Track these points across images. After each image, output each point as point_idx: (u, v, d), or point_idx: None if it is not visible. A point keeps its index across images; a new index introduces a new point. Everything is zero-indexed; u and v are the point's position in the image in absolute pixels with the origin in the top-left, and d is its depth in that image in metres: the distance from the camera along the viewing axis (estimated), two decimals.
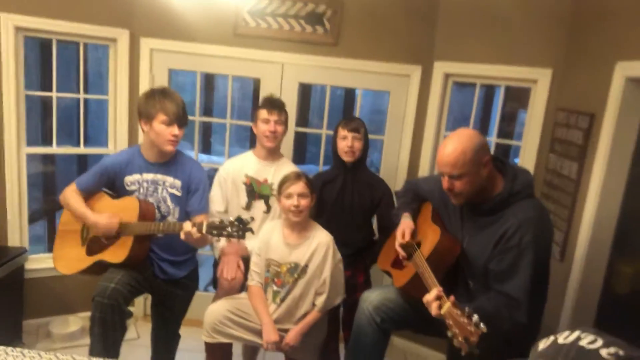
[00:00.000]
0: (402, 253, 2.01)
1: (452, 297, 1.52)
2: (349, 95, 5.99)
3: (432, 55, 3.07)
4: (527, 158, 2.90)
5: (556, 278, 1.84)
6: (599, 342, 0.64)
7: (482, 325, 1.34)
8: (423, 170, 3.13)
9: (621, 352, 0.63)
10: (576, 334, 0.68)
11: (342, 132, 2.53)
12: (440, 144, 2.01)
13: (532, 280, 1.65)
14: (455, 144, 1.73)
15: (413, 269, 1.89)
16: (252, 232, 2.04)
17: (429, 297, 1.59)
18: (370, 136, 2.68)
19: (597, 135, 2.32)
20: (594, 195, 2.28)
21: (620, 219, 2.31)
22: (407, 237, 1.99)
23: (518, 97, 3.92)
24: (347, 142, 2.50)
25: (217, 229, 1.99)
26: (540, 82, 2.82)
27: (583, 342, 0.65)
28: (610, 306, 2.37)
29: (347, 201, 2.55)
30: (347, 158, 2.52)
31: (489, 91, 5.24)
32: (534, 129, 2.88)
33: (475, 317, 1.37)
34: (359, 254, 2.58)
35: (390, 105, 3.22)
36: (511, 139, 3.47)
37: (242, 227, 1.99)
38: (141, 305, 3.40)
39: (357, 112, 3.35)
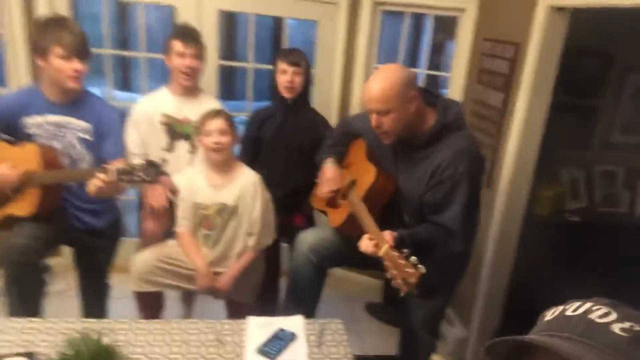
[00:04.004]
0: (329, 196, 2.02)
1: (390, 239, 1.52)
2: (278, 26, 5.70)
3: None
4: (455, 89, 2.91)
5: (483, 204, 1.91)
6: (612, 316, 0.58)
7: (420, 265, 1.36)
8: (355, 105, 3.08)
9: (637, 327, 0.57)
10: (587, 305, 0.61)
11: (282, 65, 2.38)
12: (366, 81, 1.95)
13: (466, 209, 1.69)
14: (381, 80, 1.68)
15: (348, 209, 1.87)
16: (167, 174, 1.91)
17: (366, 239, 1.59)
18: None
19: (521, 65, 2.35)
20: (518, 124, 2.35)
21: (541, 146, 2.41)
22: (334, 186, 1.98)
23: (446, 27, 3.90)
24: (286, 77, 2.36)
25: (127, 173, 1.82)
26: (467, 11, 2.79)
27: (593, 315, 0.59)
28: (533, 227, 2.53)
29: (286, 140, 2.45)
30: (286, 94, 2.39)
31: (418, 22, 5.19)
32: (461, 60, 2.87)
33: (414, 258, 1.38)
34: (298, 195, 2.52)
35: (319, 36, 3.08)
36: (439, 71, 3.48)
37: (154, 171, 1.84)
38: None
39: (287, 44, 3.18)
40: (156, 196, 2.29)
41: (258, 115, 2.52)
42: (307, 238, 2.07)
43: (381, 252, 1.50)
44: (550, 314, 0.65)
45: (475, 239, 1.91)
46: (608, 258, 2.75)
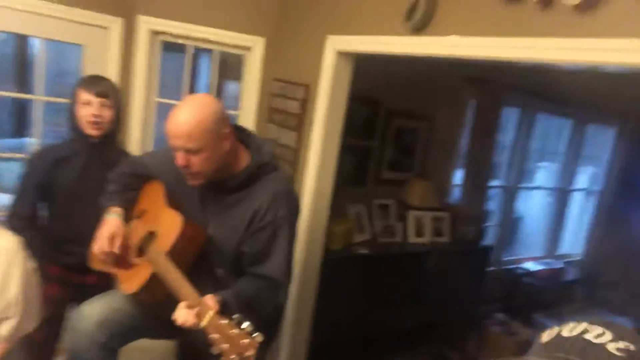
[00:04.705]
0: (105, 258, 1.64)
1: (215, 304, 1.27)
2: (22, 48, 4.72)
3: (135, 8, 2.61)
4: None
5: None
6: (608, 336, 0.59)
7: (256, 333, 1.13)
8: (134, 145, 2.68)
9: (632, 347, 0.57)
10: (583, 326, 0.61)
11: (84, 95, 1.87)
12: (170, 113, 1.65)
13: (289, 257, 1.54)
14: (191, 112, 1.44)
15: (149, 269, 1.52)
16: None
17: (182, 309, 1.30)
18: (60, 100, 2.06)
19: (312, 106, 2.40)
20: (314, 163, 2.37)
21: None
22: (116, 245, 1.60)
23: (224, 68, 3.85)
24: (91, 110, 1.86)
25: None
26: (254, 50, 2.76)
27: (589, 336, 0.59)
28: (329, 262, 2.56)
29: (90, 187, 1.90)
30: (91, 131, 1.88)
31: (194, 61, 5.01)
32: (250, 99, 2.81)
33: (247, 324, 1.15)
34: None
35: (85, 62, 2.60)
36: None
37: None
38: None
39: (40, 73, 2.59)
40: None
41: (48, 155, 1.94)
42: (92, 311, 1.60)
43: (205, 323, 1.22)
44: (546, 336, 0.65)
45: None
46: (393, 284, 3.00)
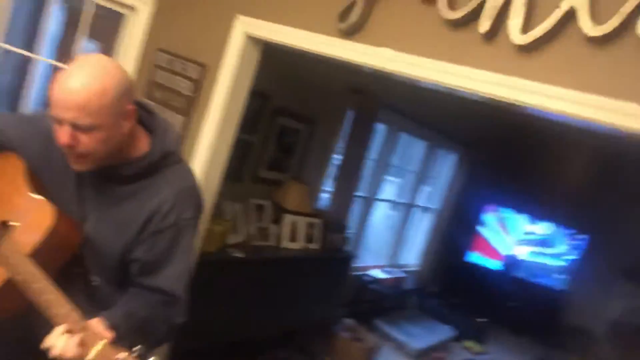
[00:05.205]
0: None
1: (107, 331, 0.97)
2: None
3: None
4: None
5: None
6: None
7: None
8: None
9: None
10: None
11: None
12: (59, 74, 1.22)
13: (188, 265, 1.29)
14: (89, 79, 1.09)
15: (1, 273, 1.12)
16: None
17: (60, 334, 0.98)
18: None
19: (209, 91, 2.13)
20: (202, 156, 2.09)
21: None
22: None
23: (76, 21, 3.27)
24: None
25: None
26: (138, 11, 2.36)
27: None
28: (202, 264, 2.30)
29: None
30: None
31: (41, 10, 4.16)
32: (128, 66, 2.39)
33: (153, 359, 0.89)
34: None
35: None
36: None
37: None
38: None
39: None
40: None
41: None
42: None
43: (94, 355, 0.93)
44: None
45: None
46: (263, 290, 2.85)
